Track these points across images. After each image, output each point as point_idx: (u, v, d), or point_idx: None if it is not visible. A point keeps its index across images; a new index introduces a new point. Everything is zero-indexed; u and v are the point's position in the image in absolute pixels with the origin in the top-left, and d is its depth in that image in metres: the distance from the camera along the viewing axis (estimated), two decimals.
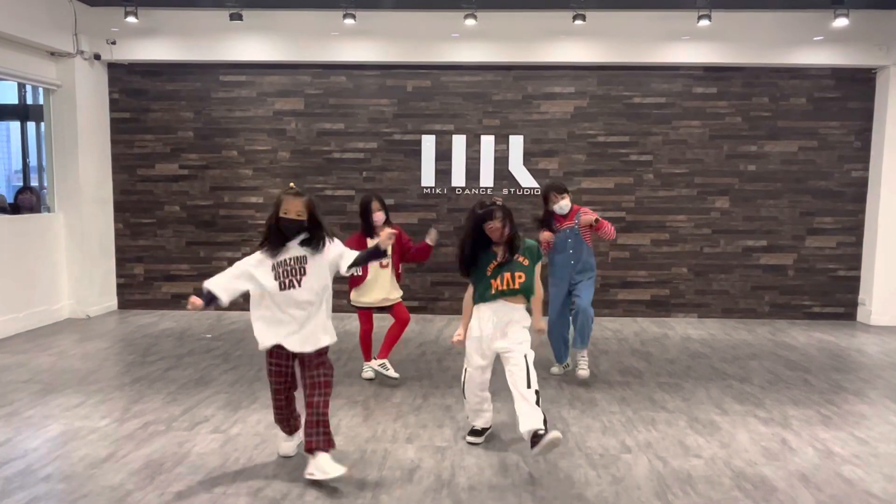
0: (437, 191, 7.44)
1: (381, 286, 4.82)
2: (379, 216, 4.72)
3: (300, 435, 3.55)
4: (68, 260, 7.08)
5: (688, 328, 6.97)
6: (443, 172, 7.42)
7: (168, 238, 7.58)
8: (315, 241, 3.27)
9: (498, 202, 3.65)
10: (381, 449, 3.67)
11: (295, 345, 3.28)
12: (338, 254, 3.35)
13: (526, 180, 7.36)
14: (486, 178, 7.39)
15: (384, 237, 3.35)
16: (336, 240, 3.39)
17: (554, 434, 3.21)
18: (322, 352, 3.34)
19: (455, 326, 6.89)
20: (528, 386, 3.43)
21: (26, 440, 3.73)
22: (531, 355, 3.54)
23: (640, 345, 6.22)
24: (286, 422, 3.52)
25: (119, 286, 7.63)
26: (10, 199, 7.28)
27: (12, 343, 5.96)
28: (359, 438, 3.81)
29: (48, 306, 6.82)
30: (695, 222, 7.42)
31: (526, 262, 3.63)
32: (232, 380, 4.91)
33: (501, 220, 3.58)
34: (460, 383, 3.81)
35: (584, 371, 4.90)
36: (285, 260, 3.26)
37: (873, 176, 7.24)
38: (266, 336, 3.29)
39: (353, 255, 3.36)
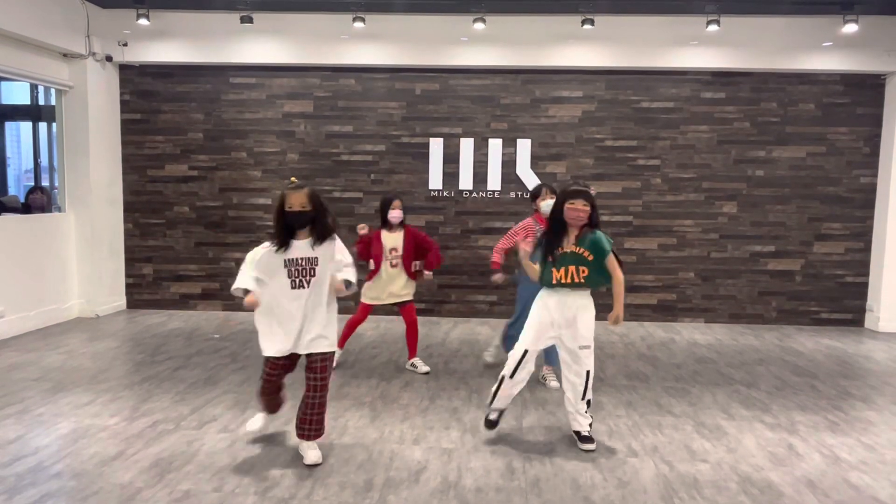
0: (445, 193, 7.46)
1: (391, 284, 5.09)
2: (395, 213, 5.04)
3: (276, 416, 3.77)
4: (78, 259, 7.14)
5: (694, 333, 6.97)
6: (450, 175, 7.44)
7: (177, 238, 7.63)
8: (321, 231, 3.35)
9: (592, 190, 3.64)
10: (387, 450, 3.68)
11: (297, 346, 3.40)
12: (341, 262, 3.45)
13: (533, 184, 7.35)
14: (494, 182, 7.41)
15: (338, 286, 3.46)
16: (340, 242, 3.47)
17: (590, 447, 3.69)
18: (325, 357, 3.42)
19: (462, 329, 6.94)
20: (583, 398, 3.72)
21: (37, 437, 3.76)
22: (592, 363, 3.71)
23: (647, 349, 6.22)
24: (269, 401, 3.62)
25: (128, 286, 7.68)
26: (21, 199, 7.35)
27: (23, 341, 6.02)
28: (366, 439, 3.82)
29: (58, 305, 6.87)
30: (702, 227, 7.42)
31: (590, 258, 3.59)
32: (240, 380, 4.95)
33: (584, 204, 3.54)
34: (507, 365, 3.77)
35: (554, 382, 4.89)
36: (297, 259, 3.33)
37: (882, 182, 7.22)
38: (267, 343, 3.40)
39: (352, 272, 3.48)
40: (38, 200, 7.22)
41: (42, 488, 3.15)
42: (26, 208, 7.09)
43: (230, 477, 3.30)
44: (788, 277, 7.42)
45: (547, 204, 4.89)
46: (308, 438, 3.47)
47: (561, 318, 3.68)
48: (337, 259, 3.42)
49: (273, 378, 3.49)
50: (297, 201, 3.27)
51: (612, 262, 3.63)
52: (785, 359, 5.94)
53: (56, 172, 7.38)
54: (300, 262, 3.33)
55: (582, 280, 3.62)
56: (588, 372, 3.68)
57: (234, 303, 7.54)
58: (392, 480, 3.31)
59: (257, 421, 3.68)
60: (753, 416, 4.36)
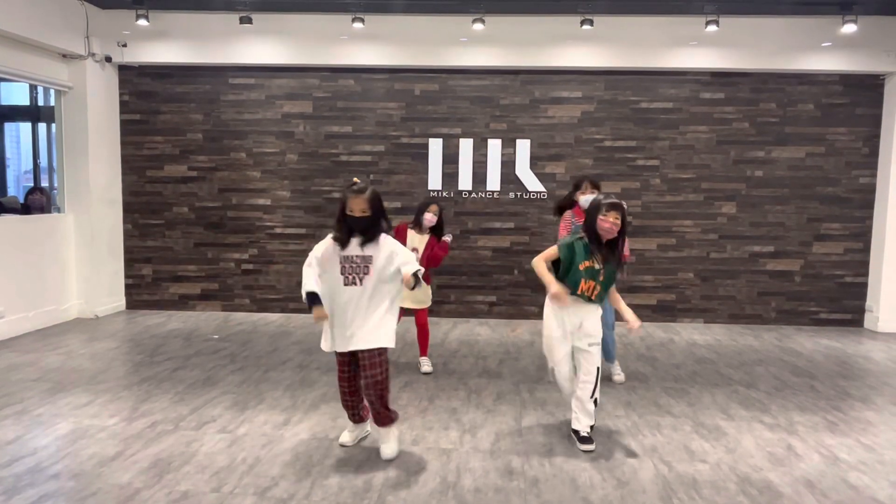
0: (444, 194, 7.46)
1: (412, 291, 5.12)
2: (428, 217, 5.12)
3: (365, 427, 3.79)
4: (77, 260, 7.14)
5: (694, 333, 6.97)
6: (450, 176, 7.44)
7: (176, 239, 7.63)
8: (371, 234, 3.38)
9: (624, 205, 3.69)
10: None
11: (350, 344, 3.41)
12: (402, 256, 3.43)
13: (532, 184, 7.37)
14: (493, 182, 7.41)
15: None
16: (391, 239, 3.47)
17: (588, 447, 3.71)
18: (378, 352, 3.40)
19: (461, 329, 6.93)
20: (591, 396, 3.76)
21: (36, 438, 3.76)
22: (599, 360, 3.77)
23: (646, 349, 6.22)
24: (352, 410, 3.65)
25: (127, 286, 7.68)
26: (20, 200, 7.36)
27: (22, 342, 6.02)
28: (365, 440, 3.82)
29: (57, 306, 6.87)
30: (701, 227, 7.42)
31: (603, 280, 3.72)
32: (239, 380, 4.94)
33: (616, 218, 3.58)
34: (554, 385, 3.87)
35: (619, 376, 5.12)
36: (352, 256, 3.39)
37: (881, 182, 7.22)
38: (326, 339, 3.50)
39: (415, 266, 3.41)
40: (38, 201, 7.23)
41: (41, 489, 3.15)
42: (25, 209, 7.10)
43: (229, 477, 3.30)
44: (788, 278, 7.42)
45: (586, 199, 4.88)
46: (379, 424, 3.54)
47: (571, 325, 3.75)
48: (396, 253, 3.41)
49: (343, 376, 3.52)
50: (358, 207, 3.34)
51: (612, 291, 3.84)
52: (784, 359, 5.94)
53: (55, 173, 7.39)
54: (355, 259, 3.39)
55: (594, 298, 3.72)
56: (597, 368, 3.73)
57: (233, 303, 7.55)
58: (391, 481, 3.31)
59: (343, 435, 3.75)
60: (752, 417, 4.36)
